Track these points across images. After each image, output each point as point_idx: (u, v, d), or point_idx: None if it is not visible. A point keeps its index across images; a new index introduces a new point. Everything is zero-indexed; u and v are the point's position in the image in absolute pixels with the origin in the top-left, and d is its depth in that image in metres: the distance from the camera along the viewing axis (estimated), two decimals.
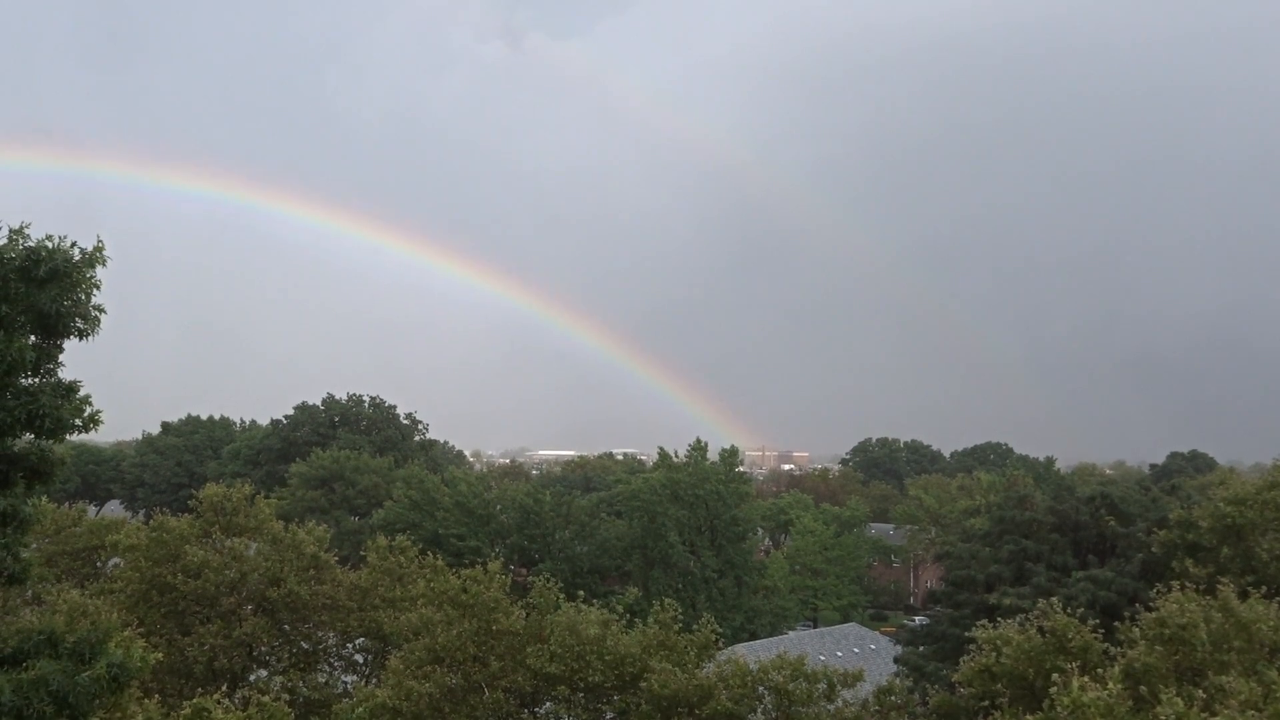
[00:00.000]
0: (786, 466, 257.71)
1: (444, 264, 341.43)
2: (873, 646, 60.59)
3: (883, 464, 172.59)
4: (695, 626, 30.43)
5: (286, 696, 28.76)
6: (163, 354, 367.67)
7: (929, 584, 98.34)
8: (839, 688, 27.30)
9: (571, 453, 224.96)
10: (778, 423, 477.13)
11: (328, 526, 40.66)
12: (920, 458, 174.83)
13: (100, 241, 14.93)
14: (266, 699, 22.00)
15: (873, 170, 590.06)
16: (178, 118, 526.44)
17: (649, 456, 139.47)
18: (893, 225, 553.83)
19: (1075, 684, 19.02)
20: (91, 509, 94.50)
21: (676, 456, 75.28)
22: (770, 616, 73.79)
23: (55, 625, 15.20)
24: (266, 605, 34.22)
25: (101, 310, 15.07)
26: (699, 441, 76.04)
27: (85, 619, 25.59)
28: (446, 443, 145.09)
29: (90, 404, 15.32)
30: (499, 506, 75.70)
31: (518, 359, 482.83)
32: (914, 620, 69.45)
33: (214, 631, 32.40)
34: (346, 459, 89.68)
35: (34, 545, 41.76)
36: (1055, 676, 20.10)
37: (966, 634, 26.68)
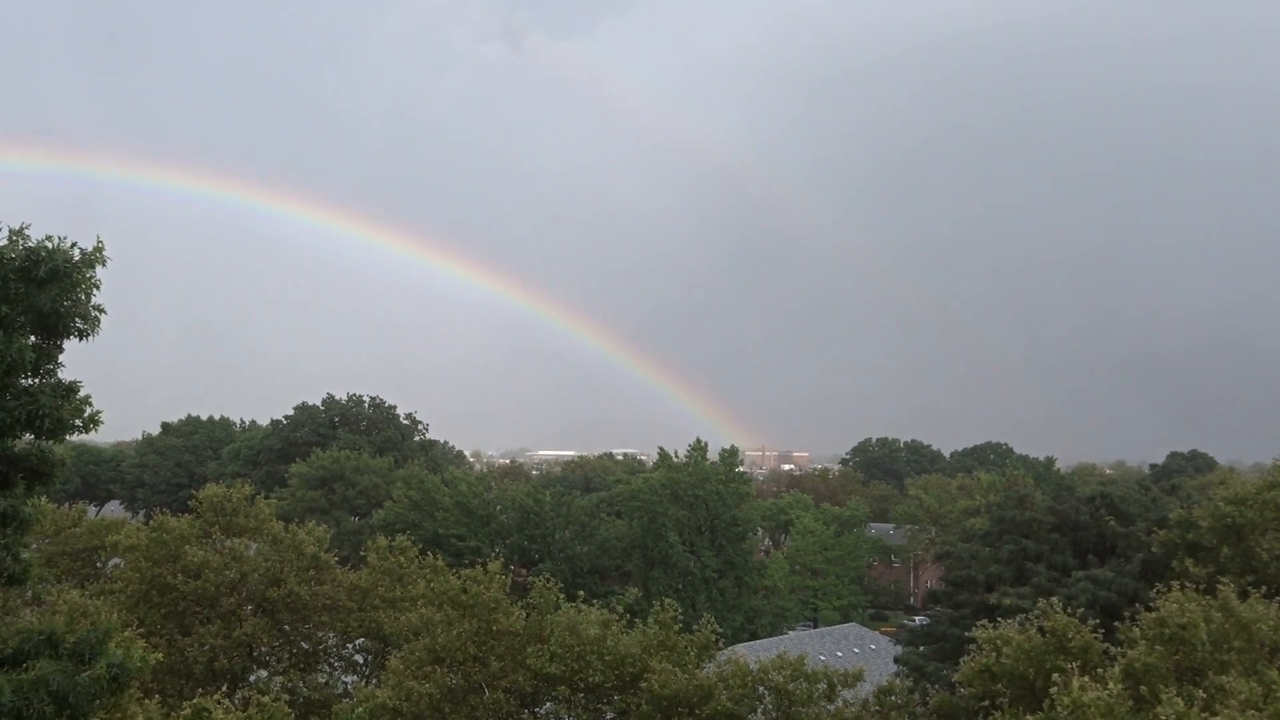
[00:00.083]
0: (786, 466, 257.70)
1: (444, 264, 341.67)
2: (873, 646, 60.59)
3: (883, 464, 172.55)
4: (695, 627, 30.43)
5: (287, 697, 28.70)
6: (163, 354, 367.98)
7: (929, 584, 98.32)
8: (839, 688, 27.31)
9: (571, 453, 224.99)
10: (778, 423, 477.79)
11: (328, 527, 40.67)
12: (920, 458, 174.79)
13: (100, 242, 14.94)
14: (266, 699, 22.00)
15: (873, 170, 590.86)
16: (177, 118, 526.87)
17: (649, 456, 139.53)
18: (893, 225, 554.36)
19: (1075, 684, 19.03)
20: (91, 509, 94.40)
21: (676, 456, 75.31)
22: (770, 616, 73.80)
23: (55, 626, 15.20)
24: (266, 606, 34.21)
25: (101, 310, 15.08)
26: (699, 441, 76.09)
27: (85, 619, 25.57)
28: (446, 443, 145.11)
29: (90, 404, 15.32)
30: (499, 507, 75.72)
31: (518, 359, 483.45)
32: (914, 620, 69.46)
33: (214, 632, 32.40)
34: (346, 459, 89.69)
35: (34, 546, 41.77)
36: (1055, 676, 20.12)
37: (967, 634, 26.68)
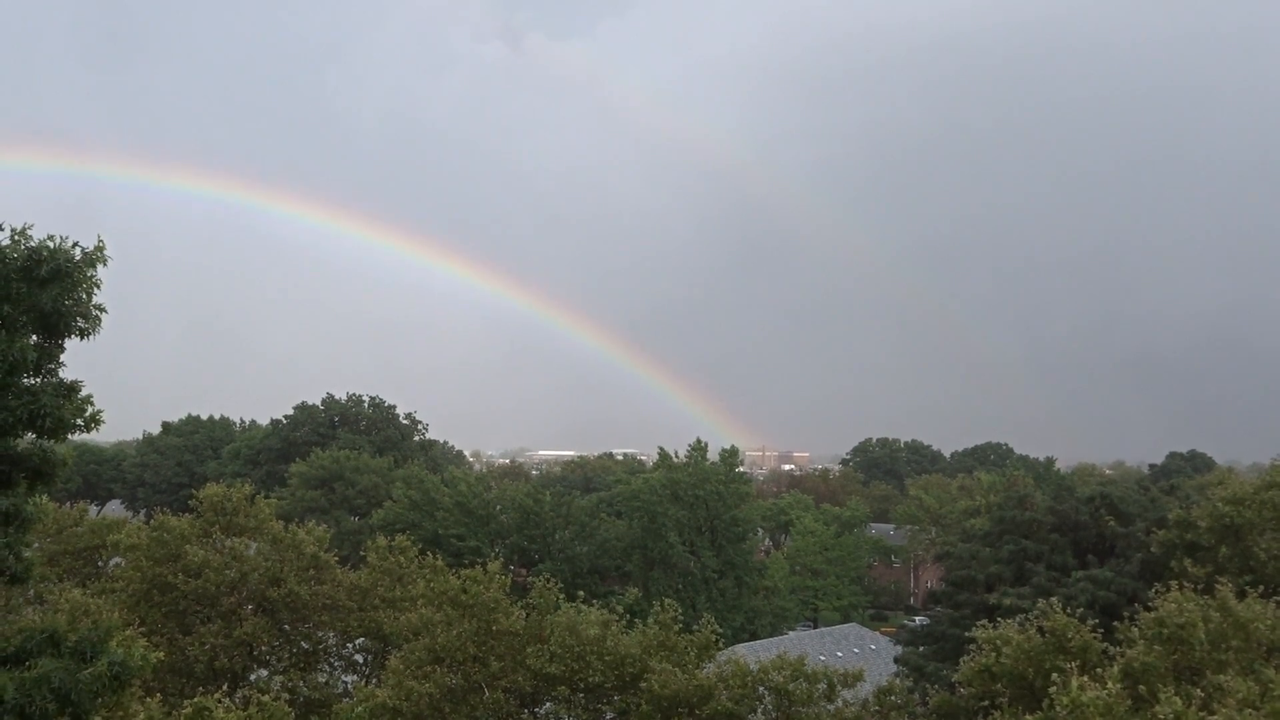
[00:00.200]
0: (787, 467, 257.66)
1: (444, 264, 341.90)
2: (873, 647, 60.64)
3: (883, 464, 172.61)
4: (695, 627, 30.47)
5: (287, 696, 28.81)
6: (163, 354, 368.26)
7: (929, 584, 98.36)
8: (839, 688, 27.36)
9: (571, 453, 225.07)
10: (778, 423, 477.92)
11: (327, 526, 40.70)
12: (920, 458, 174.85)
13: (101, 241, 15.00)
14: (267, 699, 22.06)
15: (873, 171, 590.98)
16: (177, 118, 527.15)
17: (649, 457, 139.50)
18: (893, 225, 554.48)
19: (1075, 683, 19.08)
20: (93, 509, 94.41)
21: (676, 457, 75.35)
22: (770, 617, 73.82)
23: (57, 624, 15.24)
24: (267, 605, 34.26)
25: (102, 310, 15.13)
26: (699, 442, 76.14)
27: (87, 618, 25.63)
28: (446, 443, 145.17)
29: (91, 404, 15.37)
30: (499, 507, 75.75)
31: (518, 359, 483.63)
32: (914, 620, 69.47)
33: (214, 631, 32.44)
34: (346, 459, 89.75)
35: (36, 545, 41.67)
36: (1055, 676, 20.17)
37: (966, 634, 26.73)
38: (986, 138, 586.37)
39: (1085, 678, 19.56)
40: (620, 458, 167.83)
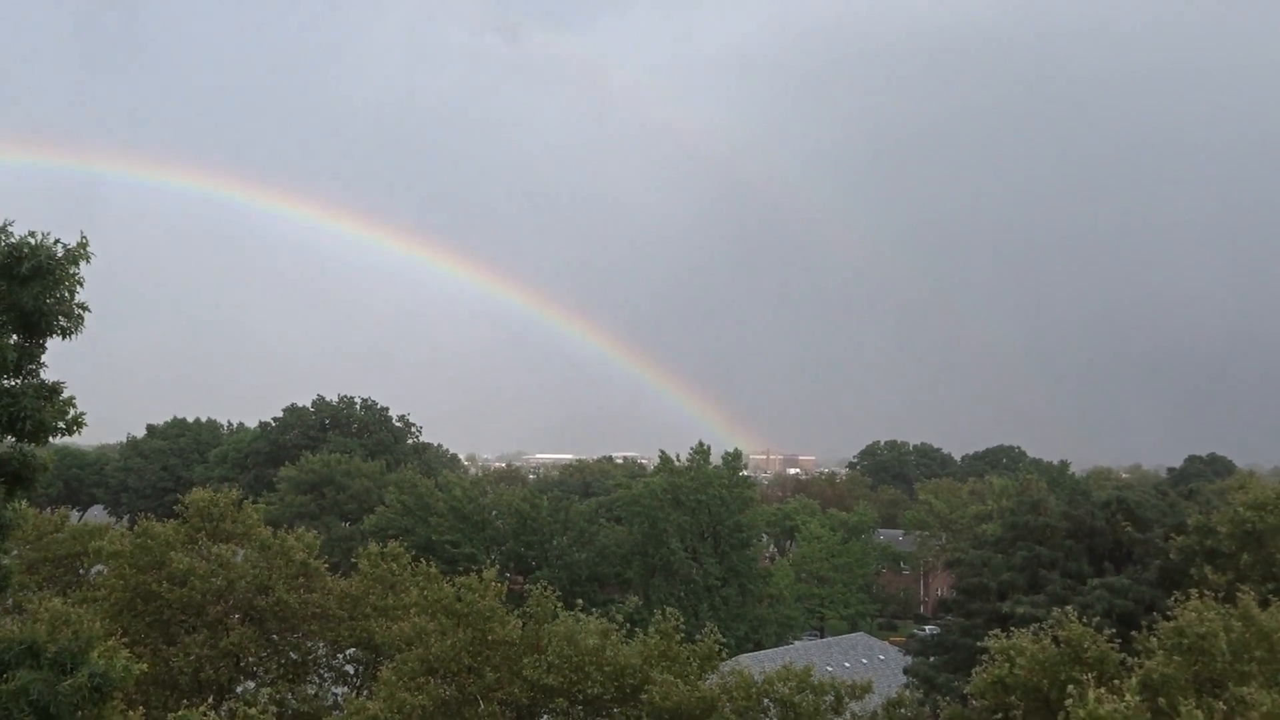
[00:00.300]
0: (792, 470, 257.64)
1: (439, 261, 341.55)
2: (881, 657, 60.65)
3: (891, 468, 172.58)
4: (698, 636, 30.46)
5: (275, 709, 28.78)
6: (148, 354, 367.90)
7: (940, 592, 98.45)
8: (847, 700, 27.35)
9: (569, 456, 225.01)
10: (783, 425, 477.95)
11: (317, 532, 40.67)
12: (930, 461, 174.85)
13: (84, 238, 14.97)
14: (254, 711, 22.06)
15: (873, 161, 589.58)
16: (164, 111, 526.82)
17: (650, 460, 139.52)
18: (898, 218, 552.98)
19: (1091, 695, 19.06)
20: (74, 514, 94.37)
21: (678, 460, 75.34)
22: (775, 626, 73.82)
23: (36, 634, 15.21)
24: (254, 614, 34.22)
25: (85, 308, 15.11)
26: (701, 444, 76.16)
27: (67, 628, 25.52)
28: (440, 446, 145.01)
29: (73, 406, 15.34)
30: (494, 512, 75.72)
31: (514, 359, 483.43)
32: (924, 630, 69.50)
33: (200, 641, 32.41)
34: (337, 463, 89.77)
35: (15, 552, 41.67)
36: (1071, 688, 20.15)
37: (979, 644, 26.73)
38: (990, 124, 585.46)
39: (1102, 690, 19.54)
40: (620, 461, 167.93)
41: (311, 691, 34.39)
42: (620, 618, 31.29)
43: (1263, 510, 35.63)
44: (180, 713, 20.72)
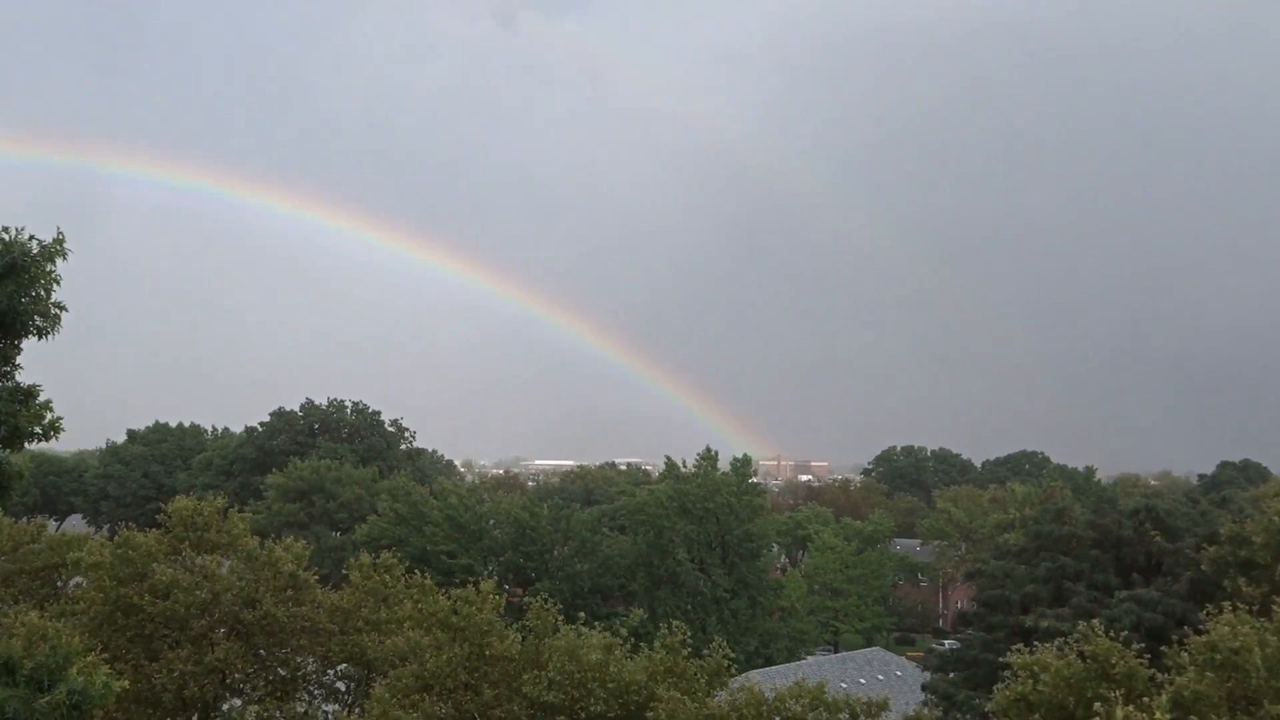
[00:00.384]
0: (804, 477, 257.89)
1: (432, 259, 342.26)
2: (898, 673, 60.62)
3: (908, 474, 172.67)
4: (706, 651, 30.41)
5: None
6: (129, 356, 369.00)
7: (959, 605, 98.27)
8: (862, 718, 27.27)
9: (570, 462, 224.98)
10: (794, 430, 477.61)
11: (307, 543, 40.66)
12: (949, 467, 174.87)
13: (60, 233, 14.94)
14: None
15: (891, 156, 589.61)
16: (143, 104, 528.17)
17: (655, 466, 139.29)
18: (917, 215, 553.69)
19: (1119, 713, 19.00)
20: (52, 524, 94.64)
21: (684, 466, 75.37)
22: (787, 640, 73.79)
23: (12, 650, 15.19)
24: (240, 628, 34.25)
25: (62, 308, 15.09)
26: (709, 450, 76.13)
27: (44, 643, 25.53)
28: (435, 452, 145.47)
29: (51, 410, 15.32)
30: (492, 521, 75.74)
31: (512, 361, 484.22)
32: (943, 644, 69.47)
33: (184, 657, 32.43)
34: (327, 470, 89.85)
35: None
36: (1097, 706, 20.09)
37: (1000, 659, 26.66)
38: (1011, 114, 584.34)
39: (1130, 707, 19.47)
40: (623, 468, 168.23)
41: (301, 709, 34.43)
42: (624, 632, 31.20)
43: None
44: None
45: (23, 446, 15.28)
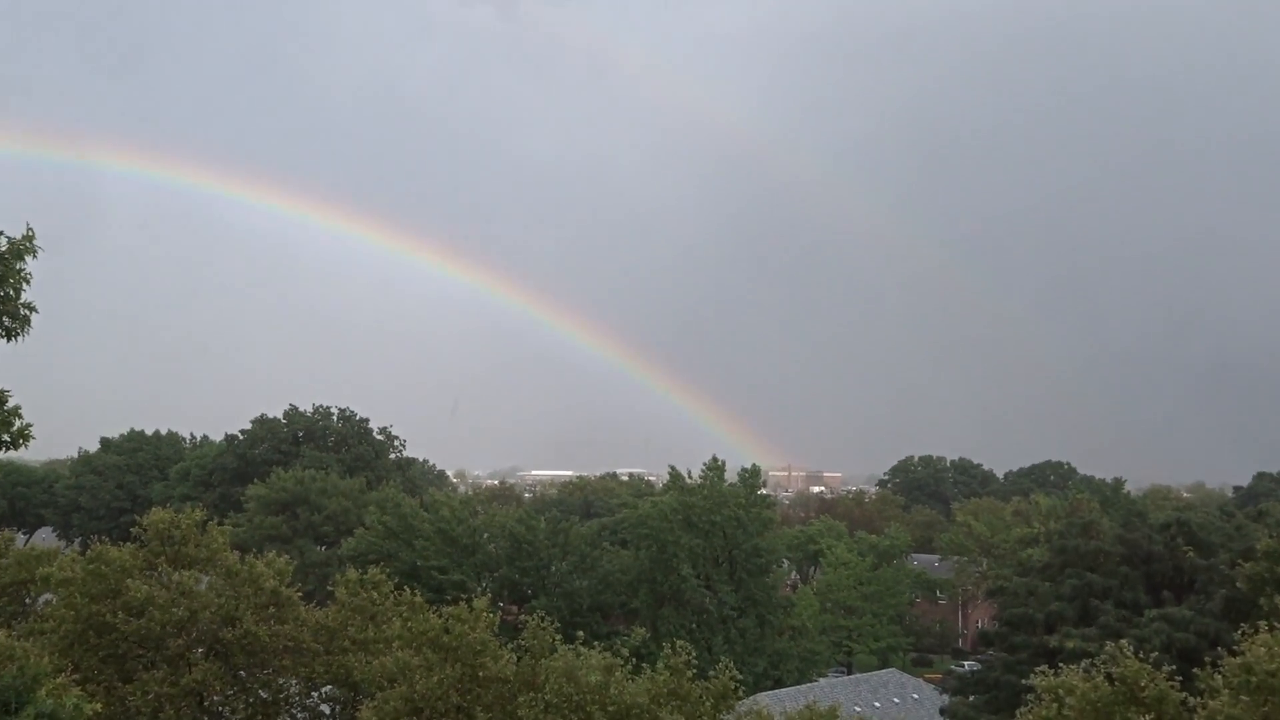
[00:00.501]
0: (816, 489, 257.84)
1: (424, 259, 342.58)
2: (915, 696, 60.57)
3: (926, 486, 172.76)
4: (711, 672, 30.39)
5: None
6: (103, 359, 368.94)
7: (980, 624, 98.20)
8: None
9: (569, 473, 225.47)
10: (805, 439, 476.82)
11: (290, 557, 40.70)
12: (969, 479, 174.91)
13: (30, 230, 14.98)
14: None
15: (913, 154, 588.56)
16: (121, 94, 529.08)
17: (658, 477, 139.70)
18: (936, 215, 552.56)
19: None
20: (20, 537, 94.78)
21: (690, 477, 75.30)
22: (798, 661, 73.70)
23: None
24: (219, 648, 34.27)
25: (33, 308, 15.12)
26: (715, 460, 76.08)
27: (11, 663, 25.53)
28: (426, 461, 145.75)
29: (19, 416, 15.36)
30: (486, 534, 75.80)
31: (508, 367, 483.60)
32: (963, 666, 69.33)
33: (159, 678, 32.45)
34: (311, 480, 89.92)
35: None
36: None
37: (1024, 682, 26.67)
38: (1046, 115, 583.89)
39: None
40: (625, 478, 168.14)
41: None
42: (625, 652, 31.16)
43: None
44: None
45: None
